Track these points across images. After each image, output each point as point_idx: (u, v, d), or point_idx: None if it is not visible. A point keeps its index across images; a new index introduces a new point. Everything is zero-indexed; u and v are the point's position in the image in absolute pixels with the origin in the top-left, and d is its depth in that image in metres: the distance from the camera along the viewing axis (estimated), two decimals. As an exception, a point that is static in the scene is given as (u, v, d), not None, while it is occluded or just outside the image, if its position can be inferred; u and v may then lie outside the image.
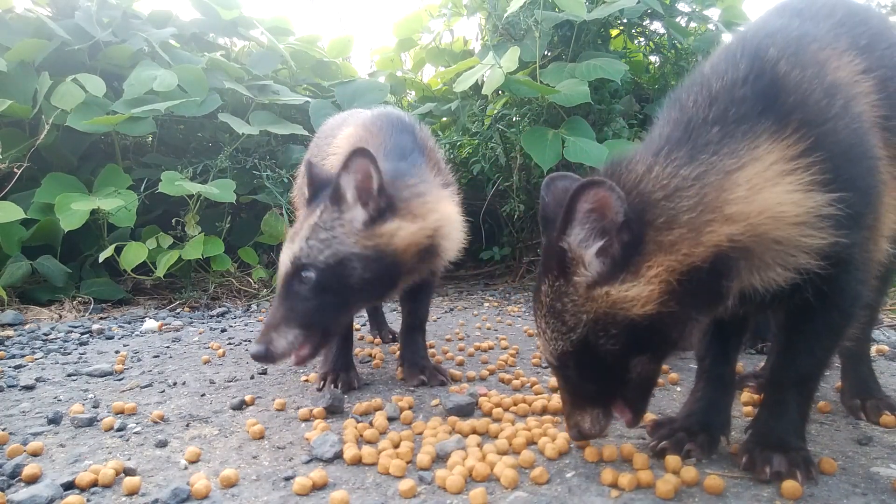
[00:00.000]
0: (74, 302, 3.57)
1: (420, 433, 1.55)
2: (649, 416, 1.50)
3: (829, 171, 1.14)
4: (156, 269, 3.60)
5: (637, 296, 1.12)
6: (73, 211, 3.40)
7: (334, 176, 1.67)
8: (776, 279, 1.18)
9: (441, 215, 1.79)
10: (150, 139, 4.49)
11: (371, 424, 1.57)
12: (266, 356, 1.61)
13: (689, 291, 1.13)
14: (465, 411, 1.67)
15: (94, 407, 1.80)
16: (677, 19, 4.20)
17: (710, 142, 1.18)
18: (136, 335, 2.89)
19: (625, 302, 1.13)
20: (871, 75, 1.29)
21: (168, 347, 2.61)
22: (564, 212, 1.14)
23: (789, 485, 1.17)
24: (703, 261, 1.12)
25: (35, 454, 1.44)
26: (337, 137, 2.22)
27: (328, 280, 1.63)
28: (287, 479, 1.29)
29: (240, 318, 3.38)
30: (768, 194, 1.12)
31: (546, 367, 2.19)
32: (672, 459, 1.29)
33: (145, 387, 2.00)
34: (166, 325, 3.08)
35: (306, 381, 2.05)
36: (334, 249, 1.63)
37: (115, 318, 3.32)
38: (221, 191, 3.71)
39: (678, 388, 1.94)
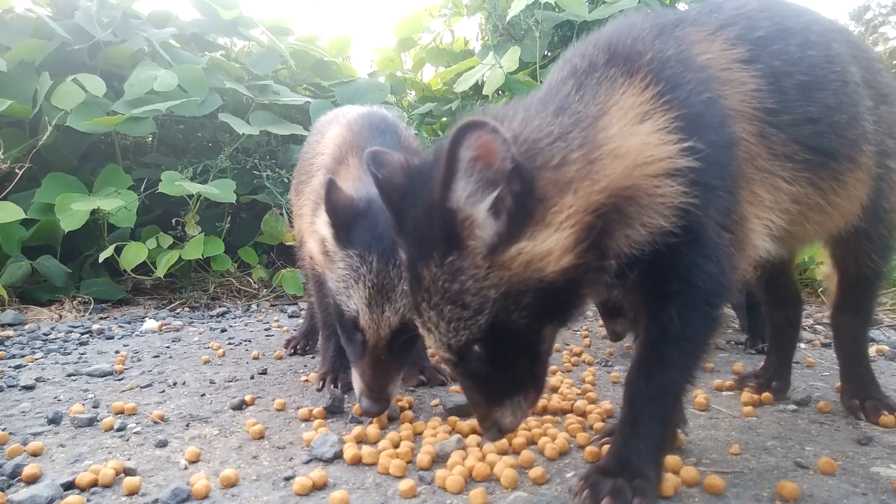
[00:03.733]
0: (74, 302, 3.57)
1: (420, 433, 1.55)
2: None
3: (682, 120, 1.11)
4: (156, 269, 3.60)
5: (553, 247, 1.01)
6: (74, 211, 3.40)
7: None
8: (637, 239, 1.10)
9: None
10: (151, 139, 4.49)
11: (372, 423, 1.58)
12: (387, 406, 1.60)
13: (597, 239, 1.05)
14: (465, 411, 1.67)
15: (94, 407, 1.80)
16: (677, 19, 4.19)
17: (570, 93, 1.16)
18: (136, 335, 2.89)
19: (541, 259, 1.01)
20: (755, 66, 1.26)
21: (168, 347, 2.62)
22: (445, 165, 0.97)
23: (789, 485, 1.17)
24: (604, 203, 1.05)
25: (35, 454, 1.43)
26: (325, 136, 2.23)
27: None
28: (287, 479, 1.29)
29: (240, 318, 3.38)
30: (636, 136, 1.09)
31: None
32: (672, 459, 1.29)
33: (145, 387, 2.00)
34: (166, 325, 3.08)
35: (306, 381, 2.05)
36: None
37: (115, 318, 3.32)
38: (221, 191, 3.71)
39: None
